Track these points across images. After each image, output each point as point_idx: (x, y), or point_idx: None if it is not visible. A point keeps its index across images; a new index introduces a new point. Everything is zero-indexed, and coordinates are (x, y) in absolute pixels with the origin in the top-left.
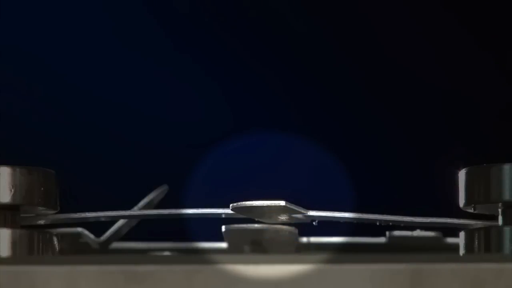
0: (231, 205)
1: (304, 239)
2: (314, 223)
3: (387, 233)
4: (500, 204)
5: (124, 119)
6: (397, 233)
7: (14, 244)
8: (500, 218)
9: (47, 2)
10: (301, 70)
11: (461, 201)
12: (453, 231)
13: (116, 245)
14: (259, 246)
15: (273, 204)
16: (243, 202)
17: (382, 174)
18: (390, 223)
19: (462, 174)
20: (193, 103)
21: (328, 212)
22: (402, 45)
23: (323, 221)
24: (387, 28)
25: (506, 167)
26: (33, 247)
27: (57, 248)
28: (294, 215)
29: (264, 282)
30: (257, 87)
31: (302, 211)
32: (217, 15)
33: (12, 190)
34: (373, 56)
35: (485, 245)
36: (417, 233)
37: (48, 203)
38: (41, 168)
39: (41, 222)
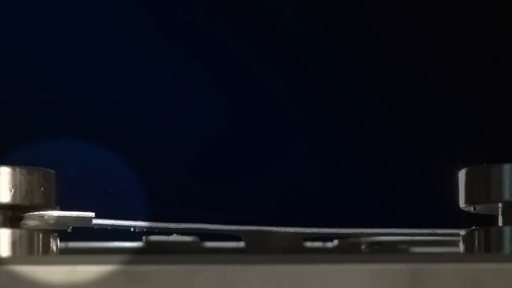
0: None
1: (62, 244)
2: (68, 230)
3: (144, 237)
4: (500, 204)
5: (124, 119)
6: (154, 237)
7: (14, 244)
8: (500, 218)
9: (46, 1)
10: (301, 70)
11: (461, 201)
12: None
13: None
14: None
15: None
16: None
17: (382, 174)
18: (145, 229)
19: (462, 174)
20: (192, 103)
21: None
22: (403, 44)
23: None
24: (388, 28)
25: (506, 167)
26: (33, 247)
27: (57, 248)
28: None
29: (264, 282)
30: (257, 87)
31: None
32: (217, 14)
33: (12, 190)
34: (373, 56)
35: (485, 245)
36: (174, 237)
37: (48, 203)
38: (41, 168)
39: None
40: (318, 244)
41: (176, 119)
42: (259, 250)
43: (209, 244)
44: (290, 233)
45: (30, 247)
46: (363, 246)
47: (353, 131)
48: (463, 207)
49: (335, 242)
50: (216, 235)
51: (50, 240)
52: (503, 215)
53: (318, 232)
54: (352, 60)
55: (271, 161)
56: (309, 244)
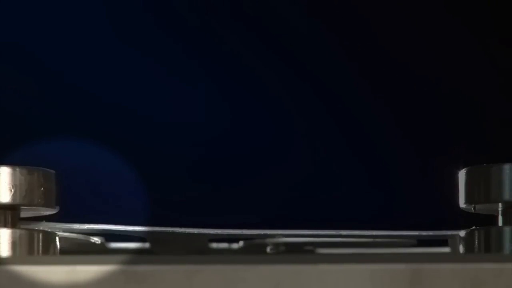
0: None
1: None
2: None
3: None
4: (500, 204)
5: (124, 119)
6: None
7: (14, 244)
8: (500, 218)
9: (46, 1)
10: (300, 70)
11: (461, 201)
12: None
13: None
14: None
15: None
16: None
17: (381, 174)
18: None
19: (462, 174)
20: (192, 103)
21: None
22: (402, 43)
23: None
24: (387, 27)
25: (506, 167)
26: (33, 247)
27: (57, 248)
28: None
29: (264, 282)
30: (257, 87)
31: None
32: (217, 14)
33: (12, 190)
34: (373, 55)
35: (485, 245)
36: (77, 237)
37: (48, 203)
38: (41, 168)
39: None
40: (223, 245)
41: (176, 119)
42: (164, 251)
43: (114, 245)
44: (194, 234)
45: (30, 247)
46: (268, 248)
47: (353, 131)
48: (463, 207)
49: (241, 243)
50: (121, 236)
51: (50, 240)
52: (503, 215)
53: (222, 233)
54: (352, 59)
55: (271, 161)
56: (214, 245)
